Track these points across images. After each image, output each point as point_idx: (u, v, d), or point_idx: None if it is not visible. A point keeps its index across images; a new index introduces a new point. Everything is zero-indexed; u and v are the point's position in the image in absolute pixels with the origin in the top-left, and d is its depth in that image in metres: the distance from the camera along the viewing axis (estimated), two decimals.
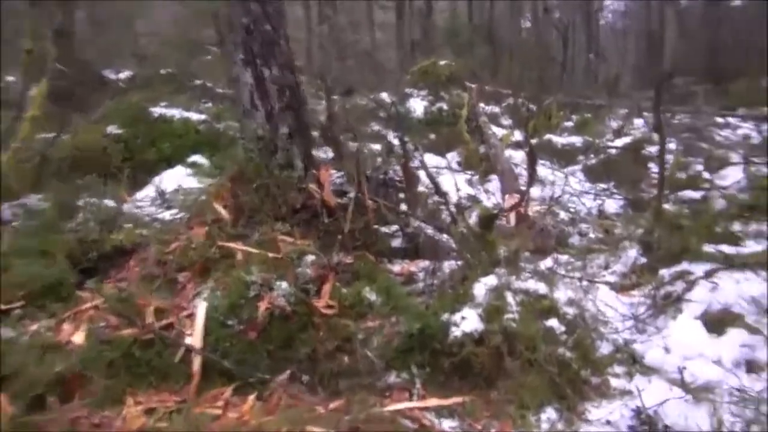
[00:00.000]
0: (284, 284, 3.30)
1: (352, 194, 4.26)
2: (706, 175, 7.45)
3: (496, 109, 10.98)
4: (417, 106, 9.11)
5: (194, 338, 3.09)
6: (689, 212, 6.22)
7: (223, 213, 3.68)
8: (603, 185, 7.87)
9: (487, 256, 3.75)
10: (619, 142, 9.06)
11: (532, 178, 6.29)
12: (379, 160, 6.12)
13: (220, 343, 3.10)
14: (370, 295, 3.48)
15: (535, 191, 7.45)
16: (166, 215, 5.39)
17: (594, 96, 12.64)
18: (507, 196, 6.22)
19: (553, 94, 10.81)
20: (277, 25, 3.85)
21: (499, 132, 9.32)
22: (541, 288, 3.67)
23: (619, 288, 4.79)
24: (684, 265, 4.32)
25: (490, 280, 3.53)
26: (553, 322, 3.35)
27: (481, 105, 10.65)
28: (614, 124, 11.13)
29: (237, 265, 3.46)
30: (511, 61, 13.47)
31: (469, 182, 7.79)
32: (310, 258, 3.64)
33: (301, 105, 4.12)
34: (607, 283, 4.90)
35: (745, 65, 18.75)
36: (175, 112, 6.99)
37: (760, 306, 3.67)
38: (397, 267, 4.11)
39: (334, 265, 3.66)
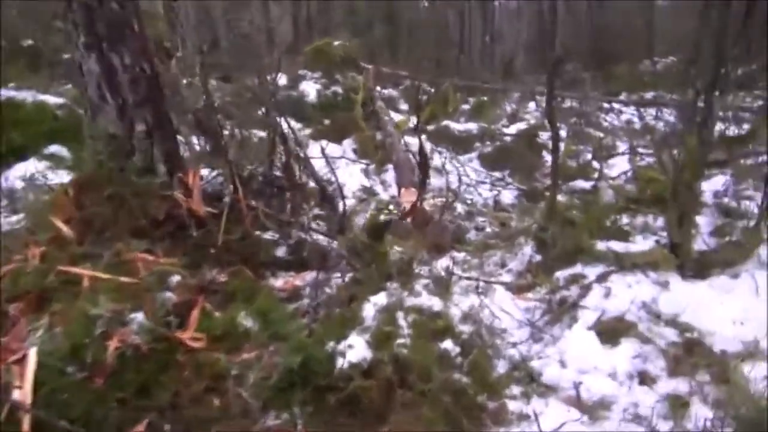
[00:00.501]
0: (140, 316, 2.79)
1: (229, 198, 3.78)
2: (595, 164, 7.59)
3: (395, 93, 10.69)
4: (310, 89, 8.61)
5: (23, 391, 2.53)
6: (580, 204, 6.27)
7: (65, 229, 3.07)
8: (499, 174, 7.82)
9: (377, 270, 3.42)
10: (514, 128, 9.09)
11: (425, 172, 6.07)
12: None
13: (56, 396, 2.56)
14: (246, 320, 3.05)
15: (432, 181, 7.26)
16: (13, 221, 4.63)
17: (490, 79, 12.70)
18: (403, 190, 5.94)
19: (449, 77, 10.68)
20: (127, 2, 3.25)
21: (398, 117, 9.06)
22: (436, 303, 3.41)
23: (516, 289, 4.67)
24: (578, 268, 4.23)
25: (381, 299, 3.22)
26: (447, 344, 3.10)
27: (378, 88, 10.33)
28: (509, 109, 11.24)
29: (82, 294, 2.90)
30: (409, 41, 13.22)
31: (365, 172, 7.47)
32: (176, 279, 3.15)
33: (162, 97, 3.55)
34: (503, 283, 4.77)
35: (627, 50, 19.73)
36: (27, 95, 6.06)
37: (651, 312, 3.63)
38: (280, 281, 3.70)
39: (205, 285, 3.19)
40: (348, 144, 8.18)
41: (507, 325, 3.95)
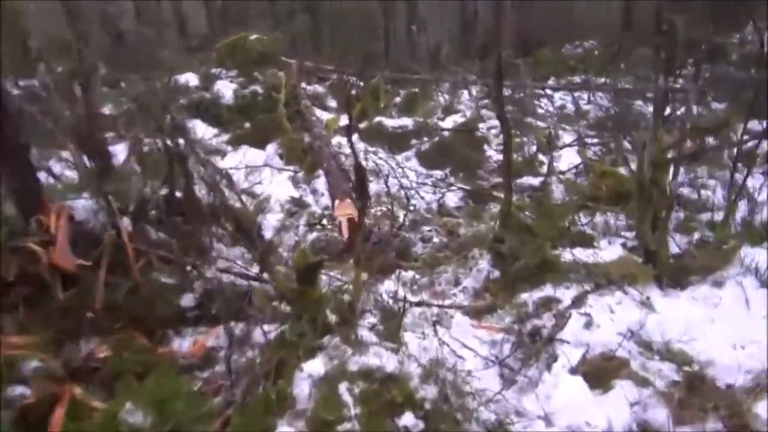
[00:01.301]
0: None
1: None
2: (541, 157, 7.09)
3: (321, 89, 9.88)
4: (225, 89, 7.69)
5: None
6: (533, 205, 5.72)
7: None
8: (440, 173, 7.19)
9: (310, 323, 2.68)
10: (450, 122, 8.48)
11: (362, 178, 5.34)
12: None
13: None
14: (134, 414, 2.24)
15: (371, 186, 6.55)
16: None
17: (419, 70, 12.07)
18: (337, 201, 5.20)
19: (378, 70, 9.97)
20: None
21: (326, 116, 8.27)
22: (387, 359, 2.70)
23: (474, 314, 4.04)
24: (548, 290, 3.63)
25: (317, 365, 2.48)
26: (408, 419, 2.40)
27: (303, 85, 9.49)
28: (442, 101, 10.65)
29: None
30: (332, 32, 12.41)
31: (294, 180, 6.66)
32: (33, 366, 2.29)
33: (11, 117, 2.65)
34: (460, 308, 4.13)
35: (549, 34, 19.64)
36: None
37: (641, 342, 3.06)
38: (186, 343, 2.88)
39: (78, 367, 2.35)
40: (272, 149, 7.33)
41: (471, 365, 3.31)
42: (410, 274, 4.66)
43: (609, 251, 4.37)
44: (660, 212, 3.93)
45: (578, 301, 3.35)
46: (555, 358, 3.02)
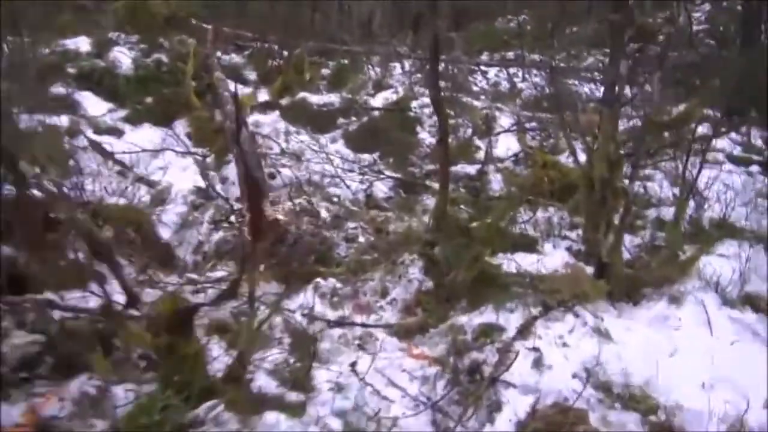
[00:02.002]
0: None
1: None
2: (477, 142, 6.56)
3: (239, 60, 8.92)
4: (123, 58, 6.66)
5: None
6: (469, 199, 5.19)
7: None
8: (368, 157, 6.54)
9: (184, 384, 2.00)
10: (381, 99, 7.80)
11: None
12: None
13: None
14: None
15: (286, 174, 5.83)
16: None
17: (348, 41, 11.26)
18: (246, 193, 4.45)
19: (303, 39, 9.10)
20: None
21: (244, 91, 7.38)
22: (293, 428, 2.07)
23: (403, 333, 3.48)
24: (488, 313, 3.09)
25: None
26: None
27: (219, 54, 8.52)
28: (373, 74, 9.94)
29: None
30: None
31: (202, 166, 5.83)
32: None
33: None
34: (387, 326, 3.55)
35: (485, 7, 19.14)
36: None
37: (599, 383, 2.58)
38: (15, 412, 2.13)
39: None
40: (180, 127, 6.43)
41: (399, 408, 2.74)
42: (330, 282, 4.03)
43: (553, 257, 3.90)
44: (613, 218, 3.46)
45: (525, 330, 2.83)
46: (499, 407, 2.49)
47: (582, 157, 4.23)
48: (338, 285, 4.03)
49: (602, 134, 3.56)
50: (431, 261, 3.85)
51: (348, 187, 5.67)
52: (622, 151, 3.70)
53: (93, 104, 6.27)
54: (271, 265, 4.10)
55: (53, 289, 2.69)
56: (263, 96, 7.54)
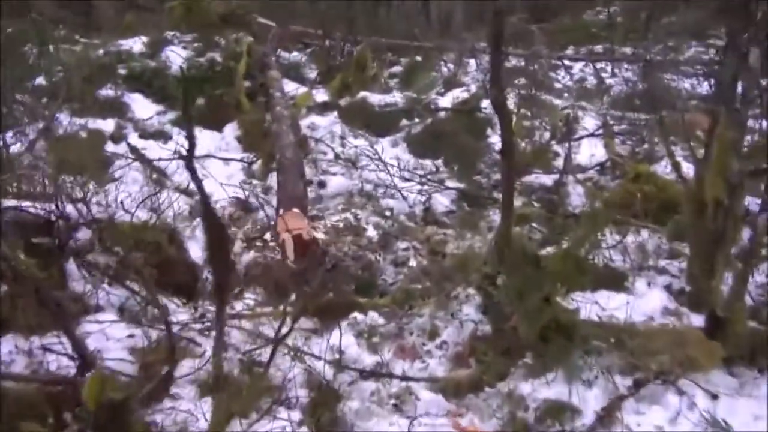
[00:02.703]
0: None
1: None
2: (556, 146, 5.73)
3: (302, 58, 8.50)
4: (176, 58, 6.36)
5: None
6: (542, 216, 4.42)
7: None
8: (431, 163, 5.87)
9: None
10: (450, 98, 7.09)
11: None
12: None
13: None
14: None
15: (336, 184, 5.27)
16: None
17: (423, 37, 10.57)
18: (281, 211, 3.90)
19: (370, 35, 8.55)
20: None
21: (300, 91, 6.92)
22: None
23: (452, 390, 2.82)
24: (557, 386, 2.36)
25: None
26: None
27: (280, 52, 8.13)
28: (446, 71, 9.23)
29: None
30: None
31: (248, 174, 5.38)
32: None
33: None
34: (432, 380, 2.90)
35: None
36: None
37: None
38: None
39: None
40: (231, 132, 6.04)
41: None
42: (372, 317, 3.42)
43: (648, 298, 3.09)
44: (731, 256, 2.62)
45: (607, 416, 2.08)
46: None
47: (687, 169, 3.39)
48: (380, 321, 3.41)
49: (719, 143, 2.72)
50: (490, 299, 3.15)
51: (404, 198, 5.03)
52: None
53: (142, 107, 5.99)
54: (302, 295, 3.54)
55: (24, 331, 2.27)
56: (322, 96, 7.04)
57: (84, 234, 3.19)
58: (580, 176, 4.96)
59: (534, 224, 4.41)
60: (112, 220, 3.27)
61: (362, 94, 7.05)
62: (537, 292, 2.94)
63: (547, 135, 5.91)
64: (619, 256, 3.56)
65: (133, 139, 5.46)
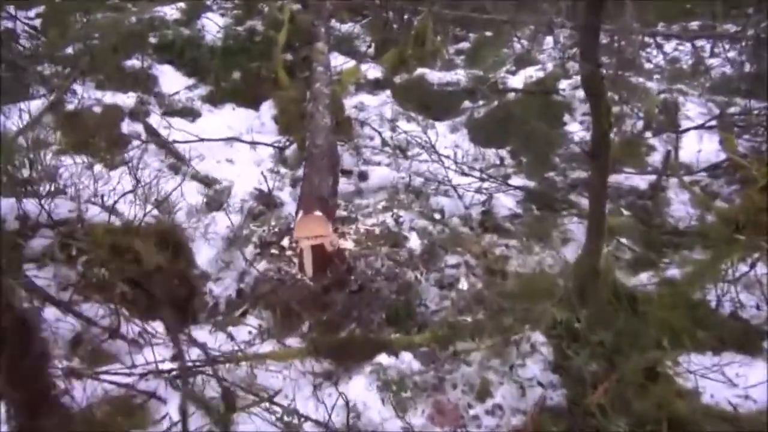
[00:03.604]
0: None
1: None
2: (650, 138, 4.68)
3: (357, 29, 7.66)
4: (212, 25, 5.67)
5: None
6: (636, 230, 3.45)
7: None
8: (495, 154, 4.96)
9: None
10: (521, 78, 6.10)
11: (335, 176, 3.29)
12: None
13: None
14: None
15: (381, 173, 4.46)
16: None
17: (490, 7, 9.47)
18: (300, 213, 3.11)
19: (430, 5, 7.59)
20: None
21: (349, 65, 6.11)
22: None
23: None
24: None
25: None
26: None
27: (335, 22, 7.34)
28: (519, 48, 8.16)
29: None
30: None
31: (279, 161, 4.65)
32: None
33: None
34: None
35: None
36: None
37: None
38: None
39: None
40: (267, 110, 5.32)
41: None
42: (404, 360, 2.61)
43: None
44: None
45: None
46: None
47: None
48: (415, 366, 2.60)
49: None
50: (565, 355, 2.27)
51: (460, 197, 4.16)
52: None
53: (171, 80, 5.36)
54: (317, 325, 2.77)
55: None
56: (374, 72, 6.21)
57: (43, 239, 2.52)
58: (685, 179, 3.91)
59: (622, 239, 3.46)
60: (79, 221, 2.58)
61: (420, 70, 6.18)
62: (635, 354, 2.04)
63: (639, 125, 4.86)
64: (751, 298, 2.57)
65: (156, 117, 4.82)
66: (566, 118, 5.33)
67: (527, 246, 3.62)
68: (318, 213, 3.04)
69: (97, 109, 4.59)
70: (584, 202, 3.87)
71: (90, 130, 4.37)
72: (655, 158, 4.36)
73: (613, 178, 4.19)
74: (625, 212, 3.79)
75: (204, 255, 3.49)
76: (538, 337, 2.48)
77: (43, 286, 2.33)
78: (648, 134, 4.69)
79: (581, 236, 3.60)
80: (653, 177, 4.02)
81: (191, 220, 3.73)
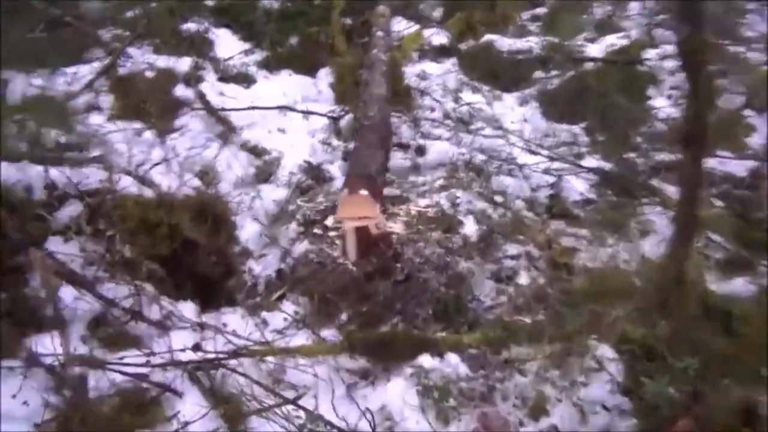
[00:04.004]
0: None
1: None
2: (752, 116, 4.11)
3: None
4: None
5: None
6: (731, 225, 2.99)
7: None
8: (568, 130, 4.51)
9: None
10: (602, 47, 5.54)
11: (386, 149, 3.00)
12: None
13: None
14: None
15: (441, 148, 4.12)
16: None
17: None
18: (345, 191, 2.85)
19: None
20: None
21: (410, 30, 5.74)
22: None
23: None
24: None
25: None
26: None
27: None
28: (600, 13, 7.48)
29: None
30: None
31: (332, 132, 4.39)
32: None
33: None
34: None
35: None
36: None
37: None
38: None
39: None
40: (324, 78, 5.05)
41: None
42: (450, 362, 2.33)
43: None
44: None
45: None
46: None
47: None
48: (461, 370, 2.31)
49: None
50: (637, 377, 1.92)
51: (526, 177, 3.78)
52: None
53: (227, 43, 5.17)
54: (356, 316, 2.53)
55: None
56: (440, 38, 5.80)
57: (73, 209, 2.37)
58: None
59: (713, 235, 3.00)
60: (110, 192, 2.42)
61: (489, 37, 5.73)
62: (726, 386, 1.68)
63: (738, 101, 4.27)
64: None
65: (209, 83, 4.65)
66: (651, 91, 4.79)
67: (599, 237, 3.22)
68: (364, 192, 2.77)
69: (150, 74, 4.47)
70: (668, 189, 3.43)
71: (142, 95, 4.26)
72: (756, 140, 3.81)
73: (707, 163, 3.69)
74: (718, 203, 3.31)
75: (248, 230, 3.30)
76: (606, 351, 2.14)
77: (67, 261, 2.19)
78: (748, 111, 4.11)
79: (663, 228, 3.19)
80: (753, 163, 3.49)
81: (237, 193, 3.55)
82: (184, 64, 4.70)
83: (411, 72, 5.19)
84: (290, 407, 1.94)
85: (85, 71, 4.30)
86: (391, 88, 4.24)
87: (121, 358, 1.93)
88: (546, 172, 3.75)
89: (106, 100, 4.24)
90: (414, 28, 5.58)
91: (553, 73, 5.24)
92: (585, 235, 3.24)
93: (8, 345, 1.84)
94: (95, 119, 3.66)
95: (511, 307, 2.66)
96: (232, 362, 2.04)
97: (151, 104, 4.19)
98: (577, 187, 3.63)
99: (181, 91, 4.51)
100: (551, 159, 3.85)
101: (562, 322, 2.40)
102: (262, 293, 2.83)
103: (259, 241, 3.29)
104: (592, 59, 5.21)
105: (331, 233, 2.97)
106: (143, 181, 2.59)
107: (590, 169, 3.70)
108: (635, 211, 3.40)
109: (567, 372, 2.18)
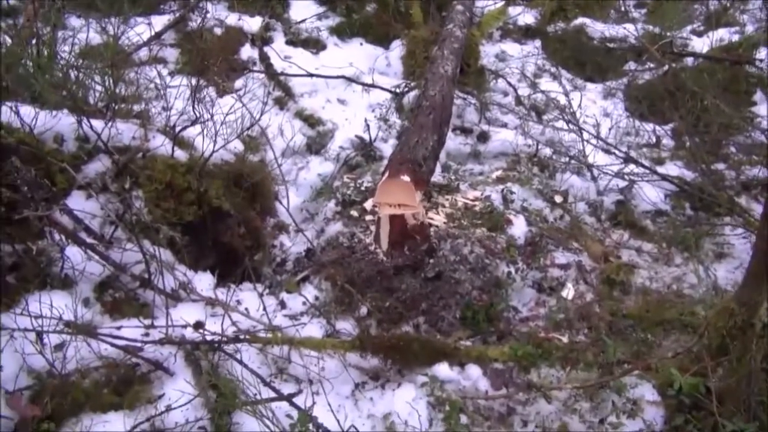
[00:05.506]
0: None
1: None
2: None
3: None
4: None
5: None
6: None
7: None
8: (652, 130, 4.09)
9: None
10: (708, 41, 4.97)
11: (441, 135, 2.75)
12: None
13: None
14: None
15: (506, 137, 3.83)
16: None
17: None
18: (385, 177, 2.65)
19: None
20: None
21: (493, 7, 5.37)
22: None
23: None
24: None
25: None
26: None
27: None
28: (713, 6, 6.75)
29: None
30: None
31: (394, 107, 4.17)
32: None
33: None
34: None
35: None
36: None
37: None
38: None
39: None
40: (396, 50, 4.82)
41: None
42: (472, 374, 2.12)
43: None
44: None
45: None
46: None
47: None
48: (481, 386, 2.10)
49: None
50: (679, 428, 1.64)
51: (594, 179, 3.44)
52: None
53: (302, 5, 5.03)
54: (376, 311, 2.35)
55: None
56: (527, 18, 5.41)
57: (101, 165, 2.32)
58: None
59: None
60: (140, 151, 2.34)
61: (581, 20, 5.28)
62: None
63: None
64: None
65: (277, 46, 4.55)
66: (757, 96, 4.25)
67: (666, 254, 2.87)
68: (405, 178, 2.57)
69: (219, 31, 4.41)
70: (757, 210, 3.00)
71: (209, 52, 4.22)
72: None
73: None
74: None
75: (291, 202, 3.19)
76: (648, 391, 1.86)
77: (86, 218, 2.15)
78: None
79: (743, 254, 2.81)
80: None
81: (283, 162, 3.43)
82: (254, 23, 4.62)
83: (489, 51, 4.87)
84: (284, 404, 1.80)
85: (158, 23, 4.29)
86: (462, 67, 3.97)
87: (119, 328, 1.86)
88: (618, 175, 3.38)
89: (173, 54, 4.27)
90: (499, 4, 5.20)
91: (647, 66, 4.76)
92: (650, 251, 2.89)
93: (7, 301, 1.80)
94: (154, 72, 3.62)
95: (549, 322, 2.40)
96: (231, 347, 1.92)
97: (214, 62, 4.15)
98: (650, 195, 3.25)
99: (246, 51, 4.48)
100: (626, 161, 3.46)
101: (604, 348, 2.13)
102: (290, 271, 2.71)
103: (300, 215, 3.18)
104: (694, 54, 4.67)
105: (368, 217, 2.79)
106: (179, 142, 2.51)
107: (668, 177, 3.30)
108: (713, 230, 3.00)
109: (598, 408, 1.92)
